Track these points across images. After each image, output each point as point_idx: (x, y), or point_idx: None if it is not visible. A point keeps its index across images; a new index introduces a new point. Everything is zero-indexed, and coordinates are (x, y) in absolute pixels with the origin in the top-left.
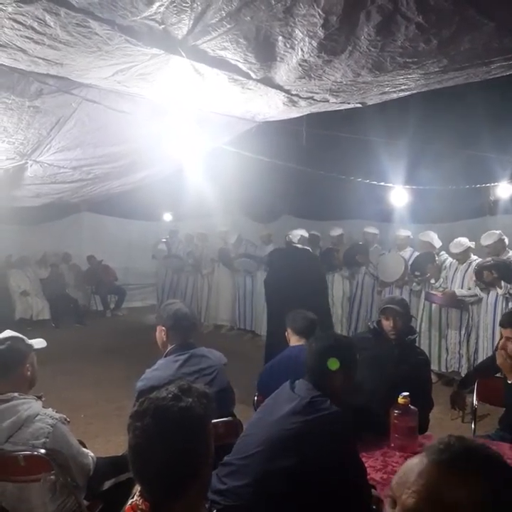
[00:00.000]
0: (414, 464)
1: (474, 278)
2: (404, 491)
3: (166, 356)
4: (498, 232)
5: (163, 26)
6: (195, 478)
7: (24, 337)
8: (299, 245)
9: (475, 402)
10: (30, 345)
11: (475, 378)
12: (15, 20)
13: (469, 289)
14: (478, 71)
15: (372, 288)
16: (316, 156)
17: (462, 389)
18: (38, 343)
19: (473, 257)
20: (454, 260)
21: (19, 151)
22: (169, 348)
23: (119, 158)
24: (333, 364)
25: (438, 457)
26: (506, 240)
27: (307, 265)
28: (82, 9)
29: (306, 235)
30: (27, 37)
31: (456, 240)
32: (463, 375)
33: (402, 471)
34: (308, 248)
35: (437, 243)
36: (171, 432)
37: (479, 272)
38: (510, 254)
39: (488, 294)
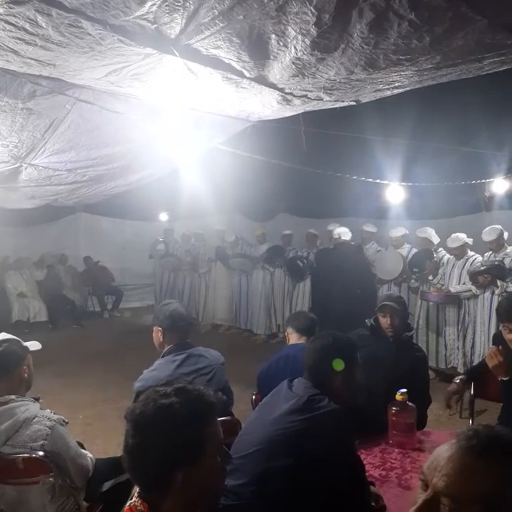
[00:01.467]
0: (444, 450)
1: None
2: (435, 475)
3: (163, 356)
4: (499, 227)
5: (155, 26)
6: (171, 478)
7: (19, 339)
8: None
9: (471, 392)
10: (26, 348)
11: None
12: (6, 22)
13: (464, 283)
14: (471, 67)
15: None
16: (312, 154)
17: (469, 378)
18: (33, 345)
19: (471, 253)
20: (452, 256)
21: (13, 155)
22: (166, 348)
23: (113, 160)
24: (338, 364)
25: (467, 443)
26: (505, 236)
27: (358, 263)
28: (74, 9)
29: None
30: (19, 38)
31: (453, 235)
32: (460, 371)
33: (432, 457)
34: (353, 243)
35: (436, 239)
36: (143, 424)
37: (473, 277)
38: (508, 250)
39: (485, 291)
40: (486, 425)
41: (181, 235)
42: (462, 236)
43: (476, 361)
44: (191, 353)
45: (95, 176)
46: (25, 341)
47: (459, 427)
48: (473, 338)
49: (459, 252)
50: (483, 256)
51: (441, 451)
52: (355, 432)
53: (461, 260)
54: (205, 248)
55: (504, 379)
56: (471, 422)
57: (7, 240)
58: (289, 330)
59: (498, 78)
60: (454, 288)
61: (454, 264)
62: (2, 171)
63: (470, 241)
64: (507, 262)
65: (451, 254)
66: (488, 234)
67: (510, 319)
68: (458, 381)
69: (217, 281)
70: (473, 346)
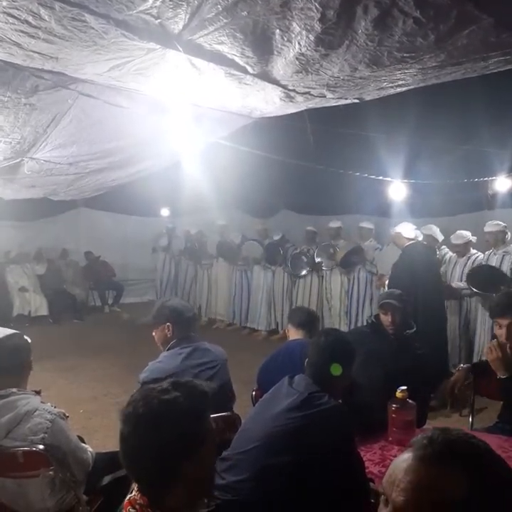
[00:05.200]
0: (401, 461)
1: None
2: (393, 489)
3: (168, 350)
4: (503, 223)
5: (159, 20)
6: (174, 470)
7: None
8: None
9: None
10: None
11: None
12: (9, 15)
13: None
14: (476, 66)
15: (367, 282)
16: (314, 150)
17: (472, 369)
18: None
19: (473, 251)
20: (454, 254)
21: (16, 150)
22: (171, 342)
23: (115, 153)
24: (336, 369)
25: (422, 453)
26: (508, 235)
27: (432, 261)
28: (77, 3)
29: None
30: (22, 31)
31: (457, 232)
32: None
33: (391, 469)
34: (425, 243)
35: (440, 237)
36: (148, 422)
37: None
38: (508, 248)
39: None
40: (444, 429)
41: (184, 232)
42: (466, 233)
43: (476, 359)
44: (197, 347)
45: (96, 168)
46: (24, 335)
47: (459, 424)
48: (474, 337)
49: (462, 250)
50: (484, 254)
51: (398, 462)
52: (354, 428)
53: (464, 258)
54: (207, 245)
55: (502, 377)
56: (471, 419)
57: (9, 234)
58: (288, 326)
59: (502, 76)
60: (456, 284)
61: (456, 262)
62: (4, 166)
63: (474, 239)
64: (507, 258)
65: (453, 252)
66: (490, 225)
67: (502, 314)
68: (460, 369)
69: (219, 278)
70: (473, 344)
